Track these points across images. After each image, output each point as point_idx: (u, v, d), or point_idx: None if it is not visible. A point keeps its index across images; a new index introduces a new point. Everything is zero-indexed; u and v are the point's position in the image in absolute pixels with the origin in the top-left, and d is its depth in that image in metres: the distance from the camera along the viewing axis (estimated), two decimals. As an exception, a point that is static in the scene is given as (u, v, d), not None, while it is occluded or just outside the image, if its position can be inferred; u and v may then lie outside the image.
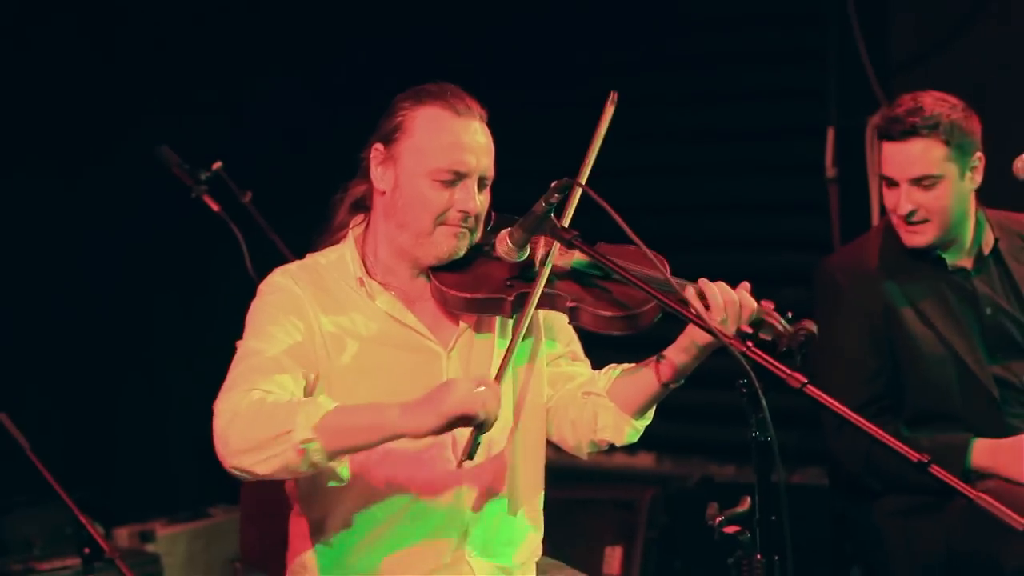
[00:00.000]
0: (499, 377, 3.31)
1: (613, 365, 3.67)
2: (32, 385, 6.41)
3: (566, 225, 3.47)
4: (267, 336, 3.38)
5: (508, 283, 3.48)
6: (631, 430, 3.59)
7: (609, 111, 3.59)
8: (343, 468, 3.32)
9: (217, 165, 5.08)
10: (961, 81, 5.73)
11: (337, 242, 3.61)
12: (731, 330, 3.33)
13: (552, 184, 3.37)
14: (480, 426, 3.16)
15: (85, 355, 6.58)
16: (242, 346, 3.41)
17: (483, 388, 3.13)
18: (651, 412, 3.61)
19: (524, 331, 3.42)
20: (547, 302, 3.47)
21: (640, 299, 3.44)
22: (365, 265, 3.54)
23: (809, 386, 3.10)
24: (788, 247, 6.66)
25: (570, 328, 3.67)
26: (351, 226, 3.62)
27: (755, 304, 3.42)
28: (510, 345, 3.39)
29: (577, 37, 6.96)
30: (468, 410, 3.12)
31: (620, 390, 3.59)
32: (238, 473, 3.24)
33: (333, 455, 3.21)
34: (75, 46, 6.55)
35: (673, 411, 3.78)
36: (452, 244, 3.48)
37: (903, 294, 4.57)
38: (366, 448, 3.27)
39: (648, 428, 3.64)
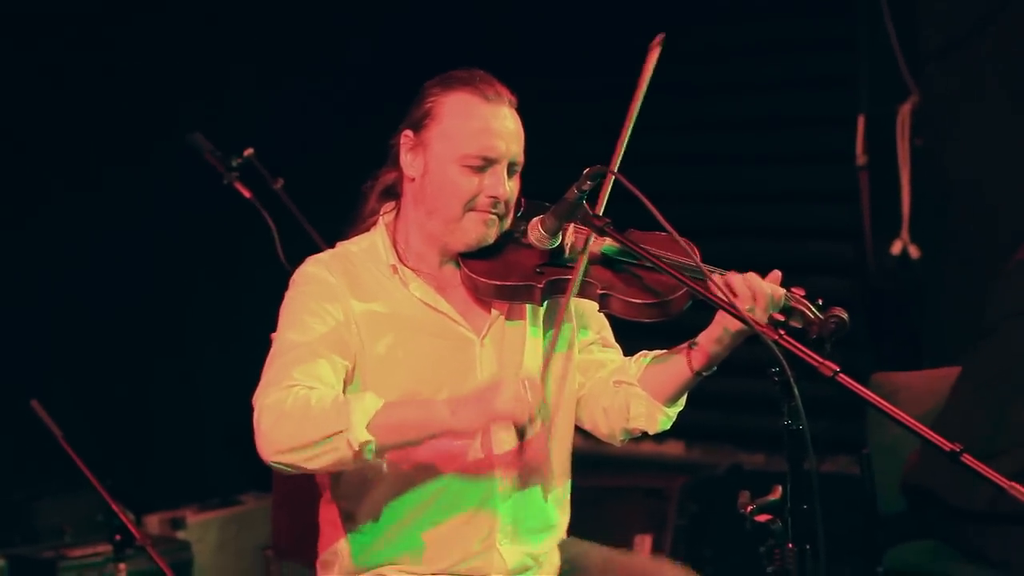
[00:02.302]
0: (543, 377, 3.34)
1: (644, 352, 3.66)
2: (64, 372, 6.43)
3: (600, 212, 3.44)
4: (303, 327, 3.37)
5: (538, 270, 3.46)
6: (663, 418, 3.58)
7: (654, 55, 3.54)
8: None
9: (249, 152, 5.08)
10: (991, 68, 5.72)
11: (367, 230, 3.59)
12: (761, 318, 3.31)
13: (585, 171, 3.35)
14: (523, 429, 3.23)
15: (117, 342, 6.60)
16: (278, 339, 3.40)
17: (529, 390, 3.18)
18: (683, 399, 3.60)
19: (561, 323, 3.42)
20: (578, 290, 3.45)
21: (670, 286, 3.42)
22: (397, 252, 3.52)
23: (841, 375, 3.08)
24: (818, 235, 6.66)
25: (601, 315, 3.65)
26: (381, 213, 3.60)
27: (783, 292, 3.40)
28: (552, 341, 3.41)
29: (608, 25, 6.95)
30: (516, 416, 3.19)
31: (651, 378, 3.58)
32: (281, 468, 3.25)
33: (383, 451, 3.25)
34: (106, 34, 6.56)
35: (702, 399, 3.77)
36: (481, 231, 3.47)
37: None
38: (413, 444, 3.31)
39: (677, 416, 3.63)
